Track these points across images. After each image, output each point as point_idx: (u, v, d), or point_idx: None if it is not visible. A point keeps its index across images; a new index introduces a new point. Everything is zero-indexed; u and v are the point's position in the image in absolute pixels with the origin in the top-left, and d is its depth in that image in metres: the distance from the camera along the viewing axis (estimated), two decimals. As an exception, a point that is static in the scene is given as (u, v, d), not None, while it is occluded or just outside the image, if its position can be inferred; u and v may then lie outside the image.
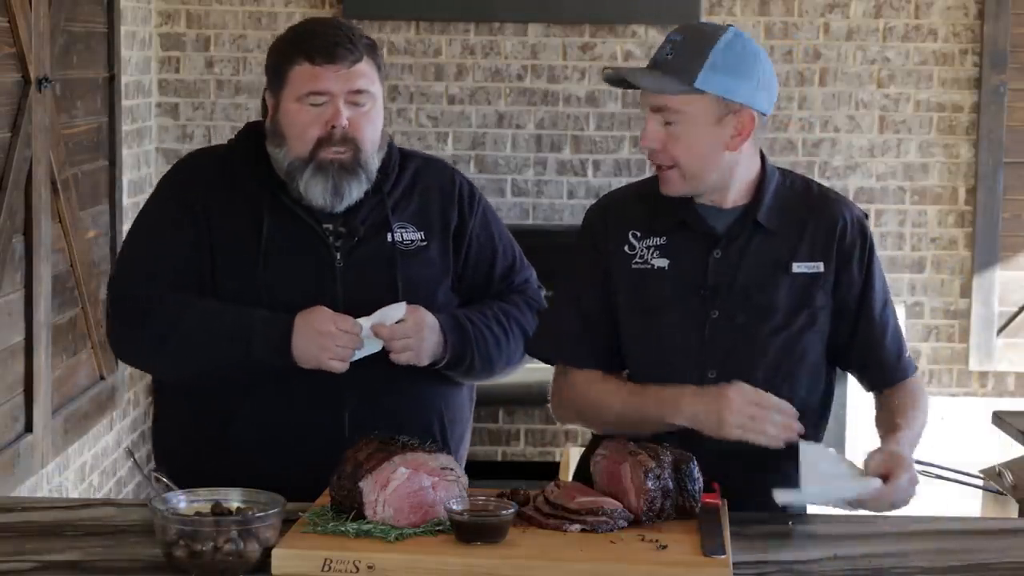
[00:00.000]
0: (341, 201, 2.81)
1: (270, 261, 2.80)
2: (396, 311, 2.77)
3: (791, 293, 2.74)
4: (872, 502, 2.56)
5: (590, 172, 6.05)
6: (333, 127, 2.77)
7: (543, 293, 3.08)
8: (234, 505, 2.39)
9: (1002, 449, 4.27)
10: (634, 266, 2.76)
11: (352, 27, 2.86)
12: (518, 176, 6.09)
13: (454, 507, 2.38)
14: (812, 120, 6.07)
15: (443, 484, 2.44)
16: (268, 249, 2.80)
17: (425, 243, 2.90)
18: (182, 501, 2.38)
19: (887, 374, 2.82)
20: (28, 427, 4.47)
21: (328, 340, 2.73)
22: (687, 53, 2.64)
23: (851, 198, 6.08)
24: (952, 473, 3.66)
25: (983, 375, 6.15)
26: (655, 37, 5.97)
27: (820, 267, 2.75)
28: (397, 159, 2.93)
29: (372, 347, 2.78)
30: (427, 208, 2.93)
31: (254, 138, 2.90)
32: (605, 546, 2.36)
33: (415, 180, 2.95)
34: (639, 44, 6.00)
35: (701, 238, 2.75)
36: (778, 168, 2.84)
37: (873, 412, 2.85)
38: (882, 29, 6.04)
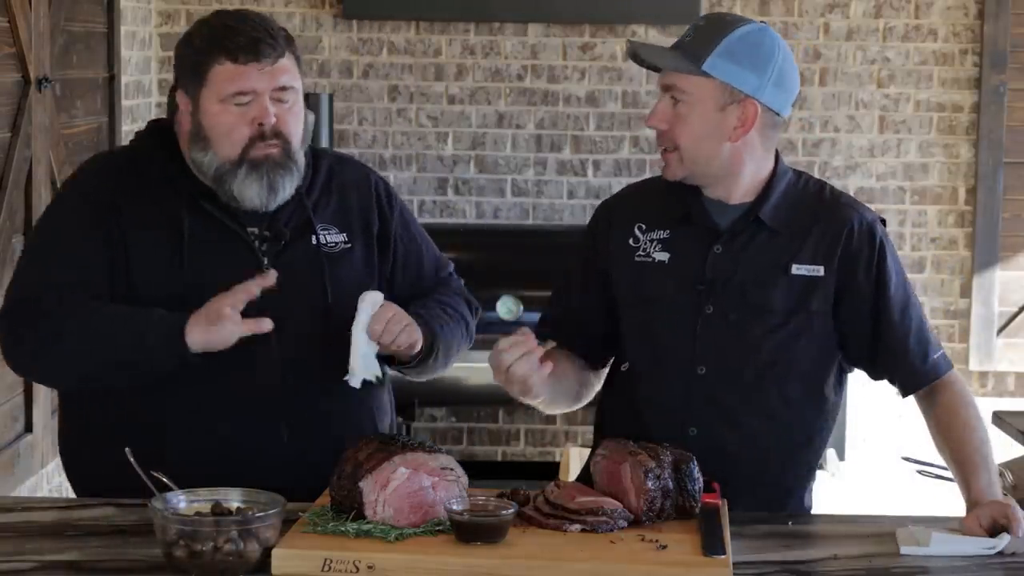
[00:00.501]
0: (276, 198, 2.73)
1: (194, 269, 2.71)
2: (375, 297, 2.72)
3: (788, 295, 2.71)
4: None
5: (590, 172, 6.05)
6: (261, 125, 2.69)
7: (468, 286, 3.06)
8: (234, 505, 2.39)
9: (1002, 449, 4.26)
10: (636, 259, 2.77)
11: (267, 18, 2.76)
12: (518, 176, 6.09)
13: (454, 507, 2.38)
14: (812, 120, 6.08)
15: (443, 484, 2.44)
16: (191, 257, 2.71)
17: (349, 245, 2.84)
18: (182, 501, 2.38)
19: (917, 378, 2.76)
20: (28, 427, 4.48)
21: (216, 302, 2.62)
22: (703, 37, 2.67)
23: (851, 198, 6.13)
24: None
25: (983, 375, 6.15)
26: (655, 37, 5.97)
27: (820, 271, 2.72)
28: (310, 158, 2.85)
29: (373, 367, 2.73)
30: (346, 208, 2.87)
31: (160, 138, 2.80)
32: (605, 546, 2.36)
33: (330, 178, 2.88)
34: (639, 44, 6.00)
35: (704, 233, 2.74)
36: (795, 170, 2.82)
37: (924, 424, 2.76)
38: (882, 29, 6.04)
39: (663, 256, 2.76)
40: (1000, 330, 6.11)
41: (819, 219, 2.75)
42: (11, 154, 4.31)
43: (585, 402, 2.91)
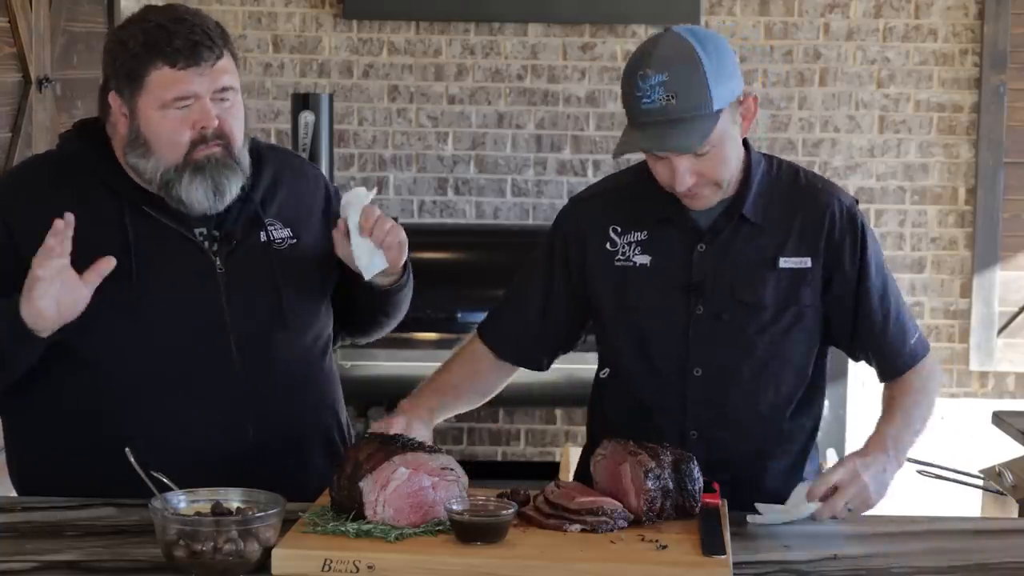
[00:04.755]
0: (223, 199, 2.68)
1: (144, 276, 2.65)
2: (359, 193, 2.67)
3: (777, 289, 2.69)
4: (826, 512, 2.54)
5: (590, 172, 6.05)
6: (204, 128, 2.63)
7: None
8: (234, 505, 2.39)
9: (1002, 449, 4.26)
10: (616, 263, 2.74)
11: (202, 16, 2.67)
12: (518, 176, 6.09)
13: (454, 507, 2.38)
14: (812, 120, 6.08)
15: (443, 484, 2.44)
16: (139, 264, 2.65)
17: (295, 240, 2.80)
18: (182, 501, 2.38)
19: (895, 363, 2.77)
20: (28, 427, 4.47)
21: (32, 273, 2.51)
22: (686, 87, 2.53)
23: (851, 198, 6.12)
24: (952, 473, 3.66)
25: (983, 375, 6.15)
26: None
27: (808, 262, 2.70)
28: (254, 154, 2.79)
29: (380, 260, 2.68)
30: (291, 202, 2.83)
31: (91, 140, 2.74)
32: (605, 546, 2.36)
33: (274, 173, 2.84)
34: (639, 44, 5.99)
35: (685, 233, 2.71)
36: (764, 155, 2.78)
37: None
38: (882, 29, 6.04)
39: (644, 259, 2.72)
40: (1000, 330, 6.11)
41: (799, 208, 2.71)
42: (11, 154, 4.31)
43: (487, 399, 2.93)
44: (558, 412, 6.13)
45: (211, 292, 2.70)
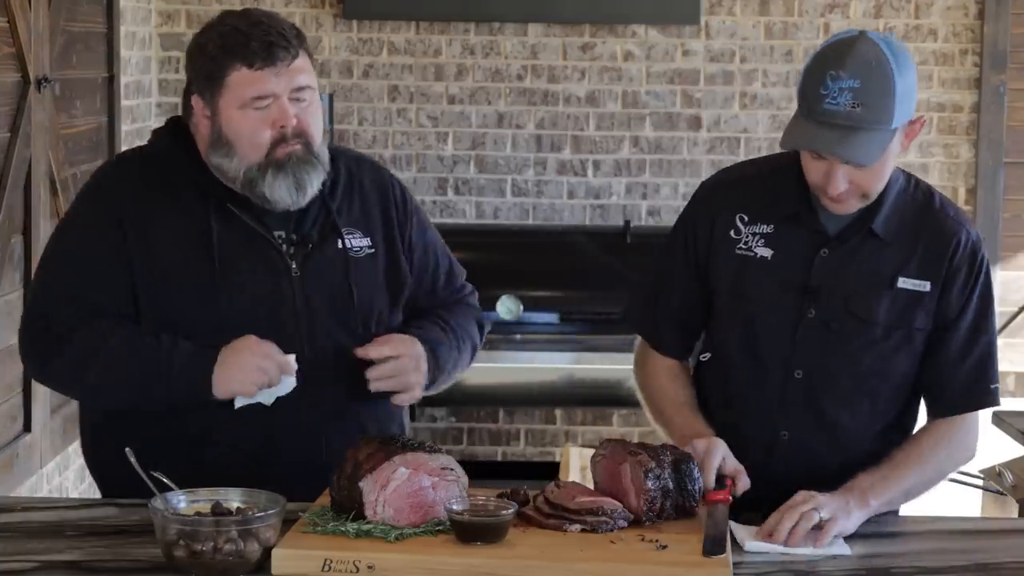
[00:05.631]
0: (305, 195, 2.73)
1: (223, 274, 2.72)
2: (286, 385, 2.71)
3: (892, 308, 2.67)
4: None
5: (590, 172, 6.05)
6: (283, 127, 2.70)
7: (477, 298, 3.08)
8: (234, 505, 2.39)
9: (1002, 449, 4.26)
10: (737, 251, 2.72)
11: (277, 17, 2.76)
12: (518, 176, 6.09)
13: (454, 507, 2.38)
14: (812, 120, 6.06)
15: (443, 484, 2.44)
16: (222, 262, 2.72)
17: (373, 250, 2.85)
18: (182, 501, 2.38)
19: (945, 399, 2.72)
20: (27, 427, 4.48)
21: (251, 359, 2.65)
22: (875, 100, 2.51)
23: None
24: (952, 473, 3.65)
25: (983, 375, 6.14)
26: (655, 37, 5.97)
27: (927, 286, 2.67)
28: (328, 157, 2.84)
29: (287, 386, 2.70)
30: (368, 212, 2.88)
31: (182, 138, 2.80)
32: (605, 546, 2.36)
33: (350, 180, 2.88)
34: (639, 44, 6.00)
35: (810, 234, 2.69)
36: (904, 173, 2.75)
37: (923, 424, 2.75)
38: (882, 29, 6.03)
39: (766, 252, 2.70)
40: (1000, 330, 6.11)
41: (927, 231, 2.69)
42: (11, 154, 4.31)
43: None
44: (558, 412, 6.13)
45: (286, 294, 2.75)
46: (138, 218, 2.74)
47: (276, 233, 2.77)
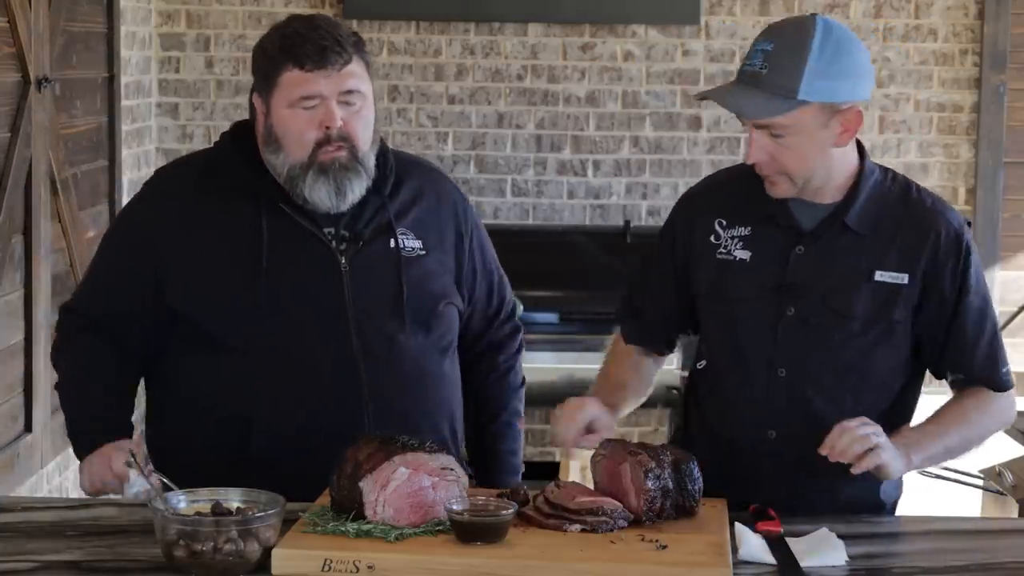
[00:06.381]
0: (345, 200, 2.80)
1: (273, 270, 2.79)
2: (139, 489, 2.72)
3: (870, 302, 2.67)
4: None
5: (590, 172, 6.05)
6: (328, 128, 2.76)
7: (519, 309, 3.15)
8: (234, 505, 2.39)
9: (1002, 449, 4.26)
10: (718, 256, 2.74)
11: (338, 25, 2.83)
12: (518, 176, 6.09)
13: (454, 507, 2.38)
14: (812, 120, 6.07)
15: (443, 484, 2.44)
16: (270, 257, 2.79)
17: (424, 252, 2.89)
18: (182, 501, 2.38)
19: (972, 378, 2.74)
20: (28, 427, 4.48)
21: (94, 467, 2.76)
22: (783, 63, 2.56)
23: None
24: (952, 473, 3.66)
25: (983, 375, 6.14)
26: (655, 37, 5.97)
27: (904, 279, 2.68)
28: (393, 164, 2.91)
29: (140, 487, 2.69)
30: (426, 220, 2.93)
31: (243, 138, 2.88)
32: (605, 546, 2.36)
33: (415, 190, 2.94)
34: (639, 44, 6.00)
35: (786, 233, 2.70)
36: (880, 166, 2.77)
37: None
38: (882, 29, 6.04)
39: (744, 255, 2.72)
40: (1000, 330, 6.11)
41: (905, 224, 2.69)
42: (11, 154, 4.31)
43: (646, 397, 2.95)
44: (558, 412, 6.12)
45: (335, 289, 2.80)
46: (184, 222, 2.83)
47: (327, 230, 2.82)
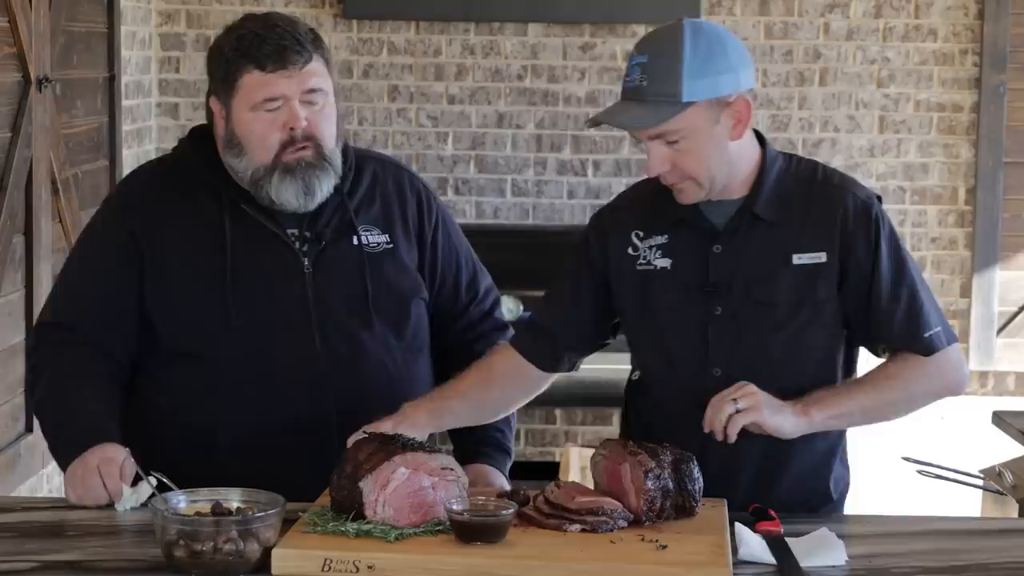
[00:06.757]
0: (313, 199, 2.77)
1: (236, 273, 2.76)
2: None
3: (793, 287, 2.69)
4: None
5: (590, 172, 6.05)
6: (293, 129, 2.73)
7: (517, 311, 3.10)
8: (234, 505, 2.39)
9: (1002, 449, 4.26)
10: (638, 267, 2.75)
11: (295, 22, 2.79)
12: (518, 176, 6.09)
13: (454, 507, 2.38)
14: (812, 120, 6.07)
15: (443, 484, 2.44)
16: (234, 261, 2.77)
17: (391, 246, 2.87)
18: (182, 501, 2.38)
19: (893, 342, 2.72)
20: (28, 427, 4.48)
21: (86, 475, 2.66)
22: (661, 72, 2.59)
23: (851, 198, 6.12)
24: (952, 473, 3.66)
25: (983, 375, 6.15)
26: (655, 37, 5.97)
27: (822, 257, 2.69)
28: (353, 159, 2.89)
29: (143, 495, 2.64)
30: (389, 211, 2.90)
31: (202, 143, 2.85)
32: (605, 546, 2.36)
33: (374, 182, 2.91)
34: (639, 44, 6.00)
35: (701, 234, 2.72)
36: (783, 153, 2.78)
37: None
38: (882, 29, 6.04)
39: (665, 262, 2.73)
40: (1000, 330, 6.11)
41: (814, 204, 2.71)
42: (11, 154, 4.31)
43: (514, 408, 2.92)
44: (558, 412, 6.13)
45: (298, 290, 2.78)
46: (152, 225, 2.80)
47: (289, 231, 2.80)
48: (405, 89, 6.05)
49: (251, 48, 2.72)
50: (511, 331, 3.00)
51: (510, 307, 5.43)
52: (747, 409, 2.56)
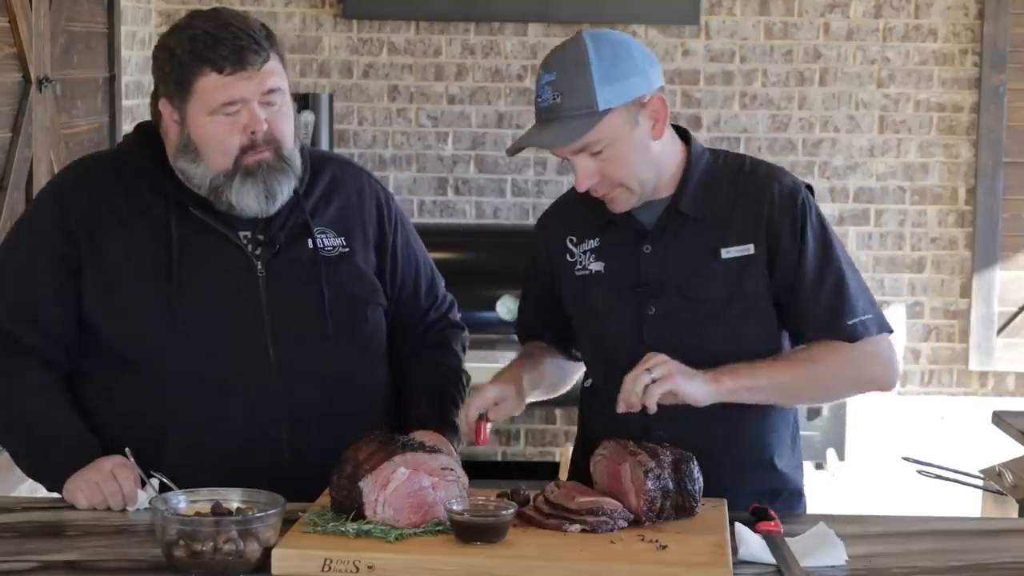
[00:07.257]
0: (275, 202, 2.69)
1: (183, 276, 2.65)
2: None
3: (723, 281, 2.69)
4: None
5: (590, 172, 6.05)
6: (253, 133, 2.64)
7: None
8: (234, 505, 2.39)
9: (1002, 449, 4.26)
10: (576, 273, 2.78)
11: (246, 18, 2.69)
12: (518, 176, 6.09)
13: (454, 507, 2.38)
14: (812, 120, 6.08)
15: (443, 484, 2.44)
16: (180, 264, 2.66)
17: (348, 249, 2.79)
18: (182, 501, 2.38)
19: (818, 329, 2.69)
20: (28, 427, 4.47)
21: (94, 477, 2.61)
22: (571, 86, 2.59)
23: (851, 198, 6.13)
24: (952, 473, 3.66)
25: (983, 375, 6.15)
26: (655, 37, 5.97)
27: (750, 248, 2.69)
28: (309, 160, 2.80)
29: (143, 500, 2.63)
30: (346, 215, 2.82)
31: (147, 141, 2.76)
32: (605, 546, 2.36)
33: (331, 184, 2.84)
34: (639, 44, 5.99)
35: (631, 235, 2.73)
36: (711, 150, 2.79)
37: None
38: (882, 29, 6.04)
39: (598, 266, 2.76)
40: (1000, 330, 6.11)
41: (740, 197, 2.71)
42: (12, 154, 4.32)
43: (564, 390, 2.96)
44: (558, 412, 6.13)
45: (251, 295, 2.70)
46: (93, 223, 2.69)
47: (242, 233, 2.71)
48: (405, 89, 6.05)
49: (206, 50, 2.62)
50: (466, 332, 3.03)
51: (510, 307, 5.43)
52: (662, 378, 2.56)
